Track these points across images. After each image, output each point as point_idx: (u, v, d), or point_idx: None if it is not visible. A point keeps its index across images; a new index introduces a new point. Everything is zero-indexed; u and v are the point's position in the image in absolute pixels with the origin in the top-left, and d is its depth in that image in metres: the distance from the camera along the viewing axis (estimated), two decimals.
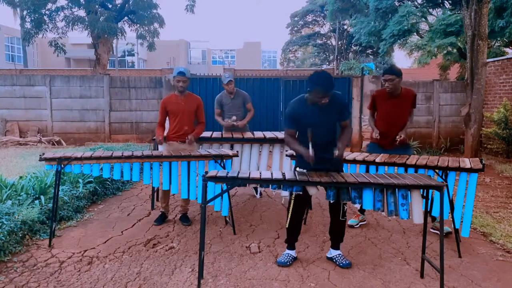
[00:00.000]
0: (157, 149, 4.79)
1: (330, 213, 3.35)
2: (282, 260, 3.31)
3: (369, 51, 27.24)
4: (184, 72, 4.25)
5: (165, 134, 4.42)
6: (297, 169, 3.32)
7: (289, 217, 3.33)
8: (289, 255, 3.36)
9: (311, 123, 3.14)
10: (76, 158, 3.73)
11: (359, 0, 14.17)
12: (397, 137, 3.98)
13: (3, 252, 3.29)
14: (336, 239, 3.38)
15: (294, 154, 4.09)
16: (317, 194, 3.17)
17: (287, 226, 3.39)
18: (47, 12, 13.42)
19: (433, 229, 4.08)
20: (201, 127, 4.45)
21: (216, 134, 5.04)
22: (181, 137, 4.33)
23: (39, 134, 10.40)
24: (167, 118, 4.42)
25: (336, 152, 3.12)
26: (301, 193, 3.03)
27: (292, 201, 3.29)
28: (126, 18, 14.67)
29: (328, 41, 31.54)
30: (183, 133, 4.33)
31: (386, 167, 3.70)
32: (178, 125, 4.33)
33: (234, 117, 5.29)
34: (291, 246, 3.41)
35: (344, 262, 3.28)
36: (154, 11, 14.65)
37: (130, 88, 10.60)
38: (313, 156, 3.05)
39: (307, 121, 3.16)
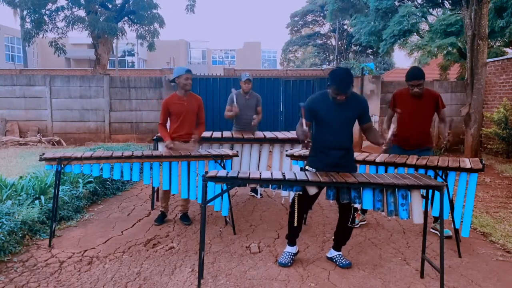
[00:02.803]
0: (157, 149, 4.79)
1: (339, 217, 3.33)
2: (283, 261, 3.31)
3: (369, 51, 27.28)
4: (191, 70, 4.30)
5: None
6: (307, 167, 3.30)
7: (292, 214, 3.30)
8: (290, 253, 3.36)
9: (327, 117, 3.16)
10: (76, 158, 3.73)
11: (359, 0, 14.17)
12: (445, 141, 4.04)
13: (3, 252, 3.29)
14: (339, 242, 3.38)
15: (295, 154, 4.10)
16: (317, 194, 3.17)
17: (295, 224, 3.33)
18: (47, 12, 13.40)
19: (433, 229, 4.08)
20: (203, 127, 4.46)
21: (216, 134, 5.04)
22: (183, 137, 4.31)
23: (39, 134, 10.41)
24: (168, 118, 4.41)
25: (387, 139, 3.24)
26: (301, 193, 3.03)
27: (296, 199, 3.26)
28: (126, 18, 14.65)
29: (328, 41, 31.57)
30: (184, 133, 4.32)
31: (386, 167, 3.70)
32: (180, 125, 4.30)
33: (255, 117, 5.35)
34: (292, 242, 3.40)
35: (344, 262, 3.28)
36: (154, 11, 14.62)
37: (130, 88, 10.60)
38: (306, 141, 3.15)
39: (324, 113, 3.17)
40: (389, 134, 3.46)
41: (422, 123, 4.00)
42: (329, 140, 3.18)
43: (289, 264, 3.30)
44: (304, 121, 3.21)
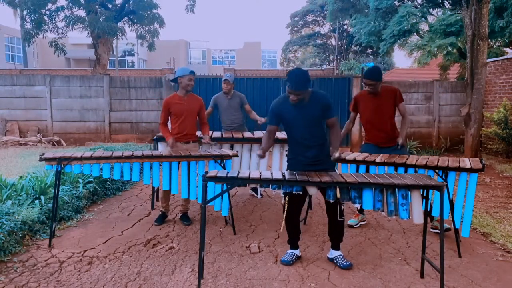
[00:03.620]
0: (157, 149, 4.79)
1: (327, 214, 3.35)
2: (286, 259, 3.33)
3: (369, 51, 27.25)
4: (194, 72, 4.34)
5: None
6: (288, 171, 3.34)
7: (284, 218, 3.33)
8: (293, 253, 3.39)
9: (291, 118, 3.25)
10: (76, 158, 3.73)
11: (359, 0, 14.17)
12: (397, 145, 4.02)
13: (3, 252, 3.29)
14: (335, 240, 3.38)
15: None
16: (317, 194, 3.17)
17: (286, 228, 3.40)
18: (47, 12, 13.40)
19: (433, 228, 4.08)
20: (207, 127, 4.52)
21: (216, 134, 5.04)
22: (184, 137, 4.31)
23: (39, 134, 10.40)
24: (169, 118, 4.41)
25: (336, 155, 3.21)
26: (301, 193, 3.04)
27: (286, 204, 3.30)
28: (126, 18, 14.66)
29: (328, 41, 31.54)
30: (186, 134, 4.32)
31: (386, 167, 3.70)
32: (181, 125, 4.30)
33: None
34: (294, 246, 3.42)
35: (344, 263, 3.28)
36: (154, 11, 14.63)
37: (130, 88, 10.60)
38: (262, 155, 3.26)
39: (288, 115, 3.26)
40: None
41: (383, 120, 4.09)
42: (299, 140, 3.27)
43: (291, 262, 3.31)
44: (268, 126, 3.36)
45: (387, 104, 4.09)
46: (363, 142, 4.40)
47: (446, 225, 3.97)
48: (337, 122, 3.37)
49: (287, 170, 3.38)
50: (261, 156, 3.29)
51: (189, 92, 4.33)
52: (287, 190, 3.03)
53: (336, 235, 3.37)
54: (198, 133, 4.59)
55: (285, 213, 3.32)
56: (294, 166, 3.32)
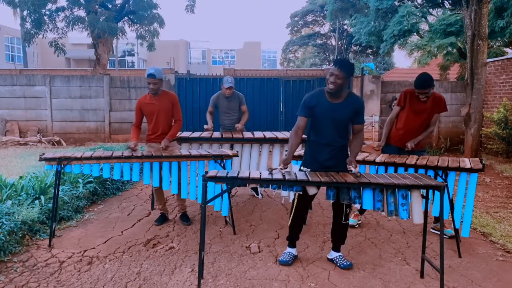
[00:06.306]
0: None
1: (333, 216, 3.34)
2: (284, 259, 3.33)
3: (369, 51, 27.25)
4: (154, 74, 4.07)
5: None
6: (302, 168, 3.33)
7: (291, 215, 3.34)
8: (290, 253, 3.38)
9: (322, 114, 3.16)
10: (76, 158, 3.73)
11: (359, 0, 14.16)
12: (409, 145, 3.92)
13: (3, 252, 3.29)
14: (337, 242, 3.38)
15: (295, 154, 4.09)
16: (317, 194, 3.17)
17: (289, 224, 3.38)
18: (47, 12, 13.42)
19: (434, 229, 4.08)
20: (177, 126, 4.33)
21: (216, 134, 5.04)
22: (160, 137, 4.26)
23: (39, 134, 10.41)
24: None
25: (352, 168, 3.06)
26: (301, 193, 3.04)
27: (296, 200, 3.28)
28: (126, 18, 14.67)
29: (328, 41, 31.55)
30: (160, 134, 4.26)
31: (386, 167, 3.70)
32: (154, 126, 4.26)
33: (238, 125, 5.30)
34: (292, 244, 3.42)
35: (345, 263, 3.28)
36: (154, 11, 14.65)
37: (130, 88, 10.60)
38: (285, 165, 3.12)
39: (319, 110, 3.16)
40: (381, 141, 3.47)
41: (420, 124, 4.04)
42: (322, 138, 3.20)
43: (289, 262, 3.31)
44: (299, 118, 3.23)
45: (431, 110, 4.01)
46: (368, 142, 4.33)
47: (450, 231, 3.95)
48: (363, 130, 3.30)
49: (301, 166, 3.35)
50: (286, 163, 3.14)
51: (157, 92, 4.20)
52: (287, 190, 3.03)
53: (338, 238, 3.37)
54: (195, 133, 4.57)
55: (293, 209, 3.29)
56: (310, 164, 3.26)
